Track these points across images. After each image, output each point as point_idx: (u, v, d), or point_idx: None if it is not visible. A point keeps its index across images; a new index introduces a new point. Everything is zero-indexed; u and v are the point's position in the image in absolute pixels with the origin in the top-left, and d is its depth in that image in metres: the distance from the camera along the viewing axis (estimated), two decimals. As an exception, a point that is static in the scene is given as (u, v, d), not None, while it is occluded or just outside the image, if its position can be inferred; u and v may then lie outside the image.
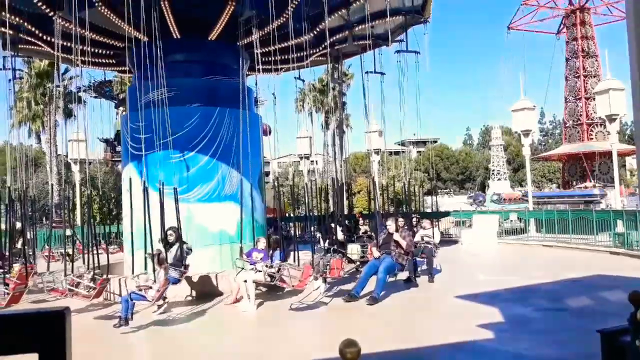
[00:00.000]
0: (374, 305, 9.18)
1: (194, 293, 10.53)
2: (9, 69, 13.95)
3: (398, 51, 14.76)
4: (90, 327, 8.51)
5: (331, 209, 15.30)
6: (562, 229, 18.44)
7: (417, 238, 11.88)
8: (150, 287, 8.56)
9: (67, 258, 11.14)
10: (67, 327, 1.65)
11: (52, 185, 26.39)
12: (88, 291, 9.21)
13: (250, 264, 9.83)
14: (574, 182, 40.16)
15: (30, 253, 12.37)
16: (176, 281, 9.48)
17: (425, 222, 12.53)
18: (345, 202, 17.07)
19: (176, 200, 9.92)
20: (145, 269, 9.37)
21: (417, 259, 11.74)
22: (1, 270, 10.46)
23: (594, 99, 29.90)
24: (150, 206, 9.28)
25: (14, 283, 9.95)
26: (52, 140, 33.15)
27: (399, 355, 6.39)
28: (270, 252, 10.12)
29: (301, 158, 31.03)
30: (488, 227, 20.45)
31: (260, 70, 12.40)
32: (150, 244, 9.09)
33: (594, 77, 37.89)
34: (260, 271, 9.52)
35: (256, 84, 15.80)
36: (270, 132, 20.51)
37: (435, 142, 76.28)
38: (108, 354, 7.05)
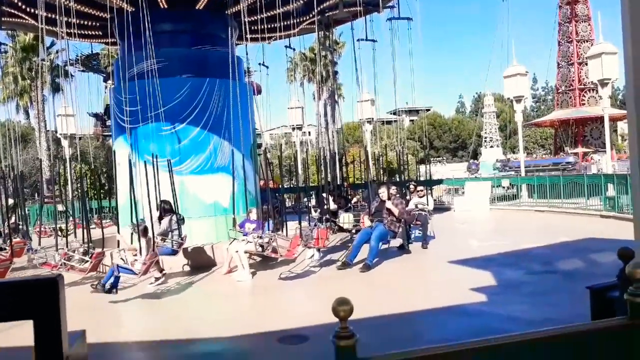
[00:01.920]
0: (367, 272, 9.28)
1: (189, 264, 10.60)
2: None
3: (390, 18, 14.59)
4: (85, 300, 8.55)
5: (323, 180, 15.33)
6: (553, 194, 18.60)
7: (411, 205, 11.96)
8: (136, 260, 8.59)
9: (60, 233, 11.15)
10: (61, 294, 1.65)
11: (41, 160, 26.20)
12: (82, 264, 9.22)
13: (243, 235, 9.89)
14: (566, 148, 40.37)
15: (24, 229, 12.37)
16: (173, 253, 9.54)
17: (421, 190, 12.60)
18: (338, 173, 17.13)
19: (170, 172, 9.91)
20: (132, 242, 9.41)
21: (412, 226, 11.83)
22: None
23: (586, 64, 29.82)
24: (143, 179, 9.27)
25: (1, 259, 9.93)
26: (40, 116, 32.78)
27: (392, 319, 6.49)
28: (262, 222, 10.15)
29: (293, 129, 30.88)
30: (480, 193, 20.59)
31: (249, 39, 12.25)
32: (139, 217, 9.10)
33: (587, 41, 37.73)
34: (250, 242, 9.57)
35: (246, 54, 15.63)
36: (260, 92, 20.34)
37: (428, 110, 76.08)
38: (109, 325, 7.11)
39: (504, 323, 5.92)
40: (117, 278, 8.30)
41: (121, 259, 8.74)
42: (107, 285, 8.17)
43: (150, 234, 8.88)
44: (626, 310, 1.73)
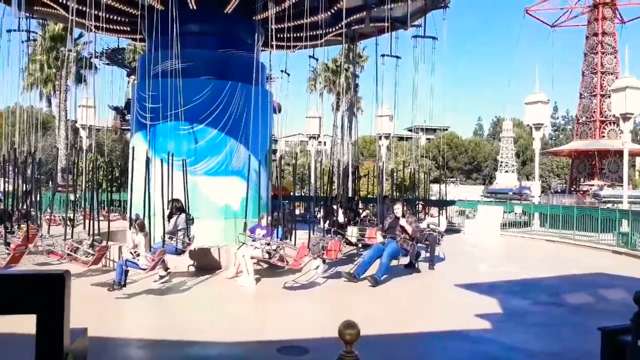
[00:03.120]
0: (375, 286, 9.22)
1: (195, 264, 10.60)
2: (23, 30, 13.91)
3: (415, 36, 14.58)
4: (89, 294, 8.59)
5: (335, 191, 15.30)
6: (566, 225, 18.38)
7: (424, 225, 11.88)
8: (139, 255, 8.61)
9: (69, 223, 11.21)
10: (66, 290, 1.65)
11: (58, 149, 26.49)
12: (86, 257, 9.26)
13: (253, 240, 9.89)
14: (582, 179, 39.97)
15: (35, 216, 12.47)
16: (179, 252, 9.54)
17: (433, 210, 12.52)
18: (351, 185, 17.09)
19: (184, 172, 9.96)
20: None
21: (420, 245, 11.75)
22: (6, 231, 10.54)
23: (609, 96, 29.57)
24: (156, 177, 9.32)
25: (15, 244, 10.02)
26: (62, 105, 33.22)
27: (395, 339, 6.42)
28: (272, 229, 10.14)
29: (310, 138, 30.92)
30: (492, 218, 20.41)
31: (274, 47, 12.30)
32: (148, 213, 9.13)
33: (612, 74, 37.43)
34: (258, 248, 9.56)
35: (270, 61, 15.70)
36: (280, 110, 20.43)
37: (446, 130, 75.86)
38: (107, 320, 7.11)
39: (507, 352, 5.83)
40: (127, 272, 8.36)
41: (130, 253, 8.77)
42: (122, 282, 8.22)
43: (147, 229, 8.89)
44: (638, 356, 1.68)
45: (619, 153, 30.28)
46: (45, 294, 1.55)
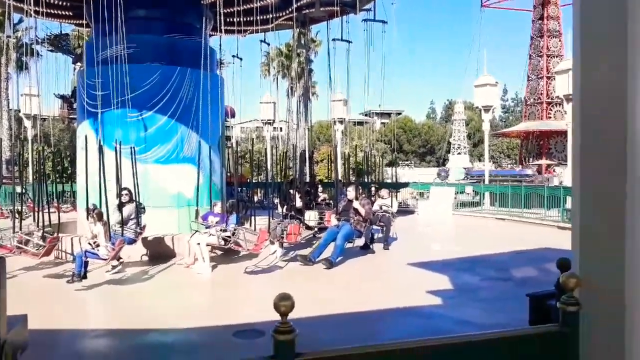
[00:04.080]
0: (330, 269, 9.35)
1: (148, 254, 10.46)
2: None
3: (365, 20, 14.66)
4: (42, 286, 8.39)
5: (291, 176, 15.34)
6: (514, 203, 19.05)
7: (376, 207, 12.08)
8: (98, 245, 8.47)
9: (17, 215, 10.84)
10: (1, 275, 1.63)
11: (1, 140, 25.40)
12: (37, 249, 9.02)
13: (206, 227, 9.83)
14: (530, 159, 41.32)
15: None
16: (132, 241, 9.41)
17: (383, 192, 12.75)
18: (307, 170, 17.17)
19: (133, 160, 9.76)
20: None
21: (374, 227, 11.95)
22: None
23: (554, 79, 30.60)
24: (106, 165, 9.11)
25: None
26: (3, 94, 31.76)
27: (349, 318, 6.56)
28: (227, 216, 10.10)
29: (264, 124, 30.74)
30: (444, 199, 20.92)
31: (224, 31, 12.13)
32: (106, 203, 8.95)
33: (557, 57, 38.65)
34: (214, 234, 9.52)
35: (220, 46, 15.47)
36: (234, 115, 20.19)
37: (400, 114, 76.81)
38: (62, 312, 6.98)
39: (456, 326, 6.05)
40: (86, 264, 8.21)
41: (89, 243, 8.59)
42: (82, 273, 8.06)
43: (105, 218, 8.74)
44: (558, 316, 1.81)
45: (565, 133, 31.47)
46: (-22, 280, 1.53)
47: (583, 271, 2.08)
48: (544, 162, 39.29)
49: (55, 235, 9.53)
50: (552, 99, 38.88)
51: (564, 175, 29.13)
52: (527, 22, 41.32)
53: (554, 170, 36.36)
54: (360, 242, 11.32)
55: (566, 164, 28.95)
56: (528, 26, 41.10)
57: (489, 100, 23.60)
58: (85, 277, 8.17)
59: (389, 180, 23.73)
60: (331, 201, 14.05)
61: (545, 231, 15.48)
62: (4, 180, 17.89)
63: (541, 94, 39.97)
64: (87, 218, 8.93)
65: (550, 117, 39.79)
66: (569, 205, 16.77)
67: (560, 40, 39.68)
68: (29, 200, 13.13)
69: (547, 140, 40.01)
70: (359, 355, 1.59)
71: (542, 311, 2.82)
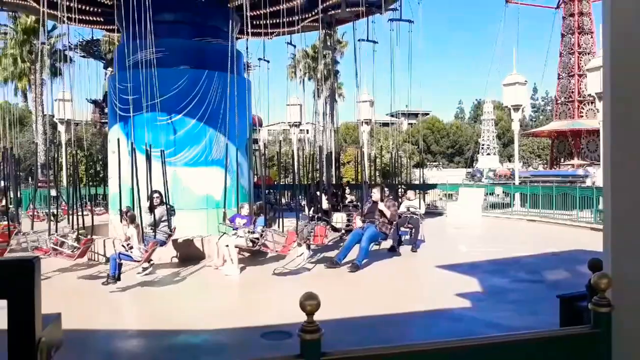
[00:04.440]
0: (355, 272, 9.33)
1: (178, 256, 10.61)
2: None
3: (391, 20, 14.60)
4: (76, 287, 8.60)
5: (318, 178, 15.34)
6: (546, 204, 18.69)
7: (403, 209, 12.00)
8: (132, 247, 8.64)
9: (52, 218, 11.13)
10: (36, 276, 1.68)
11: (37, 144, 26.12)
12: (72, 251, 9.24)
13: (233, 229, 9.92)
14: (562, 159, 40.49)
15: (14, 212, 12.33)
16: (162, 243, 9.56)
17: (410, 193, 12.64)
18: (334, 172, 17.15)
19: (163, 163, 9.92)
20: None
21: (402, 229, 11.87)
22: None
23: (586, 76, 29.93)
24: (136, 168, 9.29)
25: (-5, 241, 9.93)
26: (38, 99, 32.67)
27: (377, 320, 6.53)
28: (254, 218, 10.18)
29: (291, 126, 30.86)
30: (473, 200, 20.64)
31: (250, 34, 12.24)
32: (139, 205, 9.13)
33: (589, 54, 37.82)
34: (242, 236, 9.60)
35: (247, 49, 15.60)
36: (261, 124, 20.30)
37: (427, 114, 76.19)
38: (96, 312, 7.15)
39: (485, 328, 5.96)
40: (120, 266, 8.39)
41: (122, 246, 8.78)
42: (116, 275, 8.25)
43: (138, 221, 8.91)
44: (590, 318, 1.77)
45: (597, 132, 30.73)
46: (15, 280, 1.58)
47: (615, 271, 2.03)
48: (575, 162, 38.43)
49: (89, 237, 9.76)
50: (583, 97, 38.02)
51: (597, 176, 28.46)
52: (557, 18, 40.42)
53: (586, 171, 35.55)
54: (387, 244, 11.26)
55: (599, 164, 28.29)
56: (558, 23, 40.26)
57: (518, 100, 23.21)
58: (119, 279, 8.34)
59: (417, 182, 23.54)
60: (358, 203, 14.01)
61: (577, 232, 15.15)
62: (39, 184, 18.35)
63: (572, 92, 39.14)
64: (121, 220, 9.11)
65: (582, 116, 38.91)
66: (602, 206, 16.39)
67: (592, 37, 38.81)
68: (63, 203, 13.45)
69: (579, 139, 39.13)
70: (386, 355, 1.59)
71: (573, 313, 2.76)
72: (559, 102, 40.73)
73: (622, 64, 2.29)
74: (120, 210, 9.22)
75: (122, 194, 9.58)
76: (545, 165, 50.35)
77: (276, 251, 9.71)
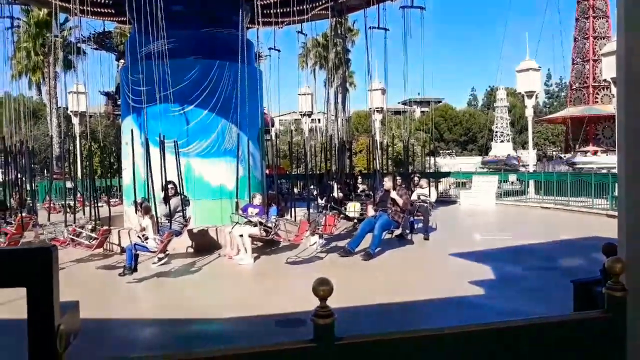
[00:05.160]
0: (368, 260, 9.35)
1: (193, 246, 10.71)
2: (7, 17, 13.76)
3: (403, 7, 14.47)
4: (93, 277, 8.73)
5: (330, 168, 15.35)
6: (560, 191, 18.52)
7: (414, 197, 11.99)
8: (147, 238, 8.72)
9: (69, 209, 11.29)
10: (53, 263, 1.71)
11: (51, 137, 26.40)
12: (90, 241, 9.36)
13: (246, 219, 9.97)
14: (577, 146, 40.03)
15: (31, 204, 12.53)
16: (177, 234, 9.64)
17: (422, 181, 12.62)
18: (347, 161, 17.15)
19: (177, 154, 9.98)
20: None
21: (415, 217, 11.86)
22: (1, 220, 10.62)
23: (601, 61, 29.48)
24: (149, 159, 9.37)
25: (10, 232, 10.10)
26: (52, 92, 32.94)
27: (390, 308, 6.55)
28: (266, 207, 10.22)
29: (302, 115, 30.82)
30: (487, 188, 20.54)
31: (261, 23, 12.20)
32: (153, 196, 9.21)
33: (604, 38, 37.21)
34: (256, 225, 9.66)
35: (257, 38, 15.57)
36: (273, 124, 20.28)
37: (440, 102, 75.60)
38: (110, 303, 7.25)
39: (498, 316, 5.94)
40: (137, 257, 8.47)
41: (138, 237, 8.87)
42: (132, 266, 8.33)
43: (152, 212, 8.99)
44: (604, 302, 1.77)
45: (613, 118, 30.34)
46: (33, 267, 1.61)
47: (630, 255, 2.02)
48: (591, 148, 38.02)
49: (107, 227, 9.88)
50: (598, 82, 37.49)
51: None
52: (571, 3, 39.81)
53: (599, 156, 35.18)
54: (398, 232, 11.27)
55: (614, 150, 27.91)
56: (572, 7, 39.65)
57: (532, 86, 22.94)
58: (135, 269, 8.42)
59: (430, 170, 23.46)
60: (370, 192, 14.01)
61: (593, 220, 15.01)
62: (54, 176, 18.58)
63: (587, 77, 38.62)
64: (136, 212, 9.20)
65: (597, 102, 38.41)
66: (617, 192, 16.22)
67: (607, 21, 38.17)
68: (79, 195, 13.62)
69: (594, 125, 38.66)
70: (399, 339, 1.60)
71: (588, 298, 2.75)
72: (574, 87, 40.22)
73: (637, 48, 2.26)
74: (135, 201, 9.31)
75: (136, 185, 9.66)
76: (561, 151, 49.77)
77: (289, 240, 9.76)
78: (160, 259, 9.30)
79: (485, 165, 40.46)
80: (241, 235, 9.60)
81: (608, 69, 20.05)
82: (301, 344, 1.69)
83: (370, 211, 10.40)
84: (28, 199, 12.68)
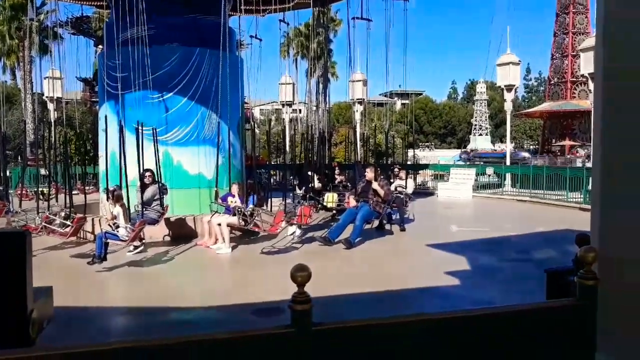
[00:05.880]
0: (349, 249, 9.40)
1: (171, 234, 10.62)
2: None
3: (386, -3, 14.48)
4: (66, 264, 8.59)
5: (312, 158, 15.34)
6: (536, 184, 18.81)
7: (392, 188, 12.06)
8: (118, 227, 8.58)
9: (41, 197, 11.09)
10: (27, 248, 1.68)
11: (25, 122, 25.86)
12: (63, 229, 9.21)
13: (226, 208, 9.93)
14: (553, 140, 40.68)
15: (3, 191, 12.26)
16: (154, 222, 9.53)
17: (401, 173, 12.70)
18: (326, 152, 17.15)
19: (155, 141, 9.86)
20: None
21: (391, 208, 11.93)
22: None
23: (579, 57, 29.91)
24: (124, 147, 9.23)
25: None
26: (27, 77, 32.23)
27: (367, 297, 6.60)
28: (245, 197, 10.18)
29: (283, 105, 30.70)
30: (464, 180, 20.76)
31: (243, 11, 12.08)
32: (126, 184, 9.09)
33: (583, 34, 37.75)
34: (234, 215, 9.61)
35: (239, 27, 15.44)
36: (253, 118, 20.13)
37: (420, 94, 76.04)
38: (84, 291, 7.16)
39: (475, 305, 6.02)
40: (107, 245, 8.26)
41: (109, 225, 8.73)
42: (102, 254, 8.13)
43: (124, 200, 8.86)
44: (575, 291, 1.81)
45: (589, 113, 30.86)
46: (6, 252, 1.58)
47: (602, 246, 2.07)
48: (567, 143, 38.65)
49: (82, 215, 9.73)
50: (576, 77, 38.06)
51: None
52: (551, -1, 40.26)
53: (577, 152, 35.77)
54: (377, 223, 11.34)
55: (590, 145, 28.43)
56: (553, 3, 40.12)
57: (511, 80, 23.15)
58: (105, 258, 8.15)
59: (409, 162, 23.61)
60: (348, 183, 14.05)
61: (567, 213, 15.28)
62: (28, 163, 18.23)
63: (565, 72, 39.18)
64: (107, 199, 9.06)
65: (574, 97, 39.03)
66: (591, 186, 16.53)
67: (586, 17, 38.70)
68: (54, 182, 13.38)
69: (571, 120, 39.31)
70: (376, 325, 1.62)
71: (560, 287, 2.82)
72: (552, 82, 40.78)
73: (615, 44, 2.30)
74: (107, 189, 9.17)
75: (109, 173, 9.52)
76: (537, 146, 50.53)
77: (265, 230, 9.74)
78: (136, 247, 9.20)
79: (477, 159, 40.59)
80: (219, 224, 9.56)
81: (586, 64, 20.36)
82: (279, 330, 1.70)
83: (352, 202, 10.44)
84: (0, 186, 12.41)
